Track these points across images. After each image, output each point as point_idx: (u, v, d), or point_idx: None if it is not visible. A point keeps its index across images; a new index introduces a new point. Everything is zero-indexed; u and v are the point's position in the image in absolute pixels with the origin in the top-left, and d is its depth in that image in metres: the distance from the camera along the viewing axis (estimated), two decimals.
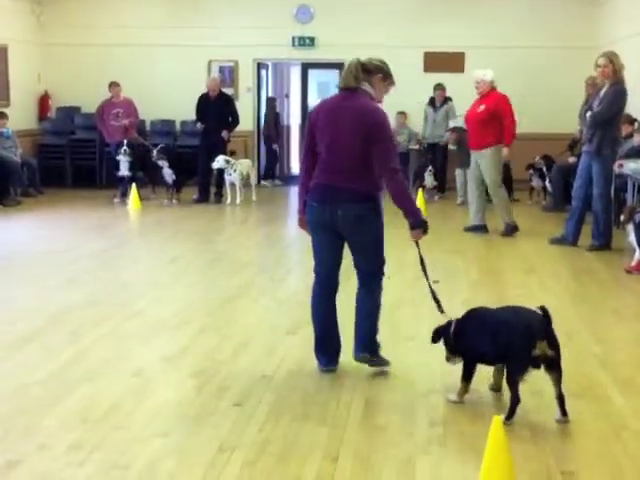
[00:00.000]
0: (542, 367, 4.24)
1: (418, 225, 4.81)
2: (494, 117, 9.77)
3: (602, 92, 8.85)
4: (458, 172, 12.77)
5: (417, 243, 4.93)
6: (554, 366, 4.23)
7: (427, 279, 4.93)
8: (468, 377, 4.52)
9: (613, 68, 8.61)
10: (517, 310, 4.51)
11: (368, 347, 5.03)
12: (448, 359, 4.72)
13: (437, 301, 4.87)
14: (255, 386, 4.73)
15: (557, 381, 4.26)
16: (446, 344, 4.71)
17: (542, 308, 4.26)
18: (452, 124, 12.22)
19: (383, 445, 3.96)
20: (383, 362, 5.09)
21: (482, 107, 9.88)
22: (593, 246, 8.97)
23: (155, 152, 12.83)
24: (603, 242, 8.98)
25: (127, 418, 4.26)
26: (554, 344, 4.21)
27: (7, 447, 3.91)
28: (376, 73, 4.93)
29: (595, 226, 9.09)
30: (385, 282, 5.17)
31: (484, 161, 9.89)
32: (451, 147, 13.30)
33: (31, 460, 3.78)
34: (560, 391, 4.27)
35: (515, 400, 4.22)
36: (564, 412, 4.26)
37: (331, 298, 5.11)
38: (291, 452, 3.87)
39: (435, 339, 4.78)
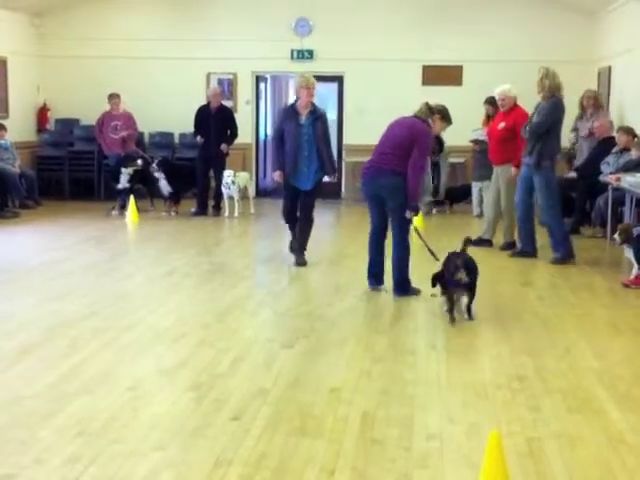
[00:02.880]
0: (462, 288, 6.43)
1: (412, 209, 7.20)
2: (513, 134, 9.71)
3: (540, 105, 9.11)
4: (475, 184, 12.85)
5: (411, 220, 7.36)
6: (468, 288, 6.44)
7: (422, 239, 7.45)
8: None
9: (543, 82, 8.92)
10: (457, 253, 6.72)
11: (402, 287, 7.37)
12: (443, 294, 6.69)
13: (432, 252, 7.23)
14: (252, 400, 4.72)
15: (470, 299, 6.47)
16: (441, 284, 6.73)
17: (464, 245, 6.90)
18: (474, 136, 12.21)
19: (380, 459, 3.95)
20: (416, 292, 7.36)
21: (502, 124, 9.82)
22: (557, 259, 8.99)
23: (154, 164, 12.84)
24: (565, 253, 9.01)
25: (124, 431, 4.24)
26: (470, 274, 6.41)
27: (3, 460, 3.89)
28: (436, 113, 7.35)
29: (552, 238, 9.15)
30: (387, 297, 7.20)
31: (504, 176, 9.87)
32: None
33: (27, 474, 3.75)
34: (470, 304, 6.48)
35: (450, 307, 6.41)
36: (469, 315, 6.47)
37: (379, 239, 7.56)
38: (288, 466, 3.86)
39: (434, 282, 6.81)
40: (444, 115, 7.42)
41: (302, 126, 8.72)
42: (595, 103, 12.12)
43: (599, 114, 12.06)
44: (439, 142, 13.58)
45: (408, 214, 7.19)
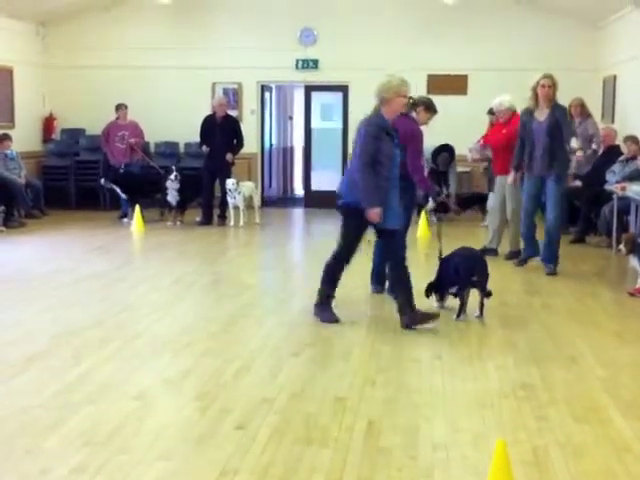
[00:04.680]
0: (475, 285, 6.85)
1: (434, 196, 8.75)
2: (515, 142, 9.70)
3: (543, 115, 8.71)
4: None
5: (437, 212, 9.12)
6: (482, 286, 6.80)
7: (439, 237, 7.38)
8: (442, 297, 7.16)
9: (554, 90, 8.62)
10: (466, 252, 7.08)
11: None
12: (439, 300, 7.15)
13: (440, 251, 7.17)
14: (257, 409, 4.72)
15: (482, 294, 6.81)
16: (436, 292, 7.14)
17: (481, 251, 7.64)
18: (475, 155, 12.17)
19: (386, 468, 3.95)
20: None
21: (504, 132, 9.81)
22: (553, 271, 8.86)
23: (173, 176, 12.85)
24: (556, 264, 8.91)
25: (130, 441, 4.25)
26: (484, 274, 6.81)
27: (9, 470, 3.89)
28: (419, 106, 7.68)
29: (550, 250, 8.91)
30: (391, 306, 6.86)
31: (509, 185, 9.82)
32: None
33: None
34: (483, 299, 6.83)
35: (462, 305, 6.83)
36: (481, 312, 6.84)
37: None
38: (293, 475, 3.86)
39: (428, 292, 7.14)
40: (428, 105, 7.74)
41: (396, 145, 6.65)
42: (582, 111, 12.10)
43: (587, 122, 12.07)
44: (450, 151, 13.61)
45: (432, 201, 8.20)
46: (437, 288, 7.18)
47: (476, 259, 6.99)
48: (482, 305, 6.87)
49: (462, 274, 6.83)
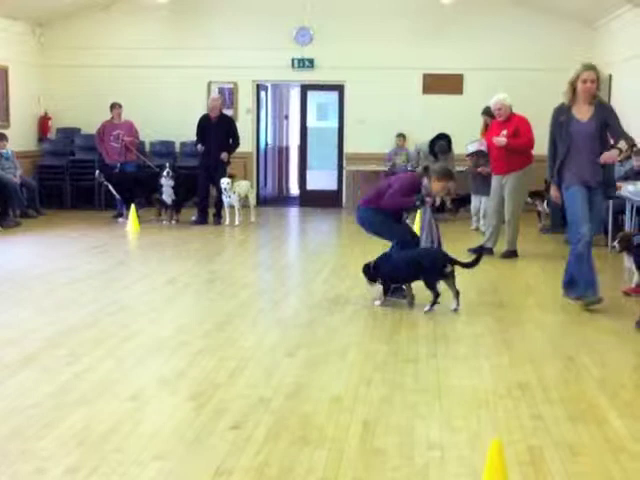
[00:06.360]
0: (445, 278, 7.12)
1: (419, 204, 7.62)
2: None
3: (585, 114, 7.28)
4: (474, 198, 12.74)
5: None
6: (452, 277, 7.11)
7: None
8: (388, 290, 7.40)
9: (598, 85, 7.30)
10: (433, 249, 7.45)
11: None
12: (384, 295, 7.39)
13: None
14: (253, 409, 4.71)
15: (452, 285, 7.14)
16: (375, 276, 7.37)
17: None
18: (471, 149, 12.12)
19: (381, 469, 3.94)
20: (405, 297, 7.44)
21: (504, 132, 9.79)
22: None
23: (165, 172, 12.87)
24: None
25: (124, 441, 4.23)
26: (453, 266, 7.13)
27: (3, 470, 3.88)
28: (432, 174, 7.41)
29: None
30: (387, 306, 7.30)
31: (509, 185, 9.82)
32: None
33: None
34: (456, 290, 7.14)
35: (436, 296, 7.09)
36: (457, 303, 7.14)
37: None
38: (289, 475, 3.85)
39: (370, 274, 7.40)
40: (439, 174, 7.41)
41: None
42: None
43: None
44: (447, 140, 13.52)
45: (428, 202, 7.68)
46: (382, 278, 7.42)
47: (443, 252, 7.33)
48: (457, 295, 7.19)
49: (436, 265, 7.17)
